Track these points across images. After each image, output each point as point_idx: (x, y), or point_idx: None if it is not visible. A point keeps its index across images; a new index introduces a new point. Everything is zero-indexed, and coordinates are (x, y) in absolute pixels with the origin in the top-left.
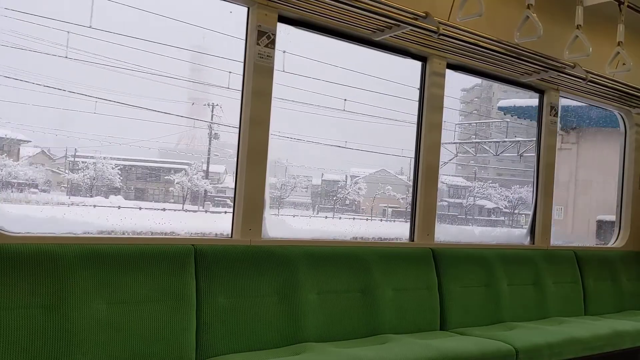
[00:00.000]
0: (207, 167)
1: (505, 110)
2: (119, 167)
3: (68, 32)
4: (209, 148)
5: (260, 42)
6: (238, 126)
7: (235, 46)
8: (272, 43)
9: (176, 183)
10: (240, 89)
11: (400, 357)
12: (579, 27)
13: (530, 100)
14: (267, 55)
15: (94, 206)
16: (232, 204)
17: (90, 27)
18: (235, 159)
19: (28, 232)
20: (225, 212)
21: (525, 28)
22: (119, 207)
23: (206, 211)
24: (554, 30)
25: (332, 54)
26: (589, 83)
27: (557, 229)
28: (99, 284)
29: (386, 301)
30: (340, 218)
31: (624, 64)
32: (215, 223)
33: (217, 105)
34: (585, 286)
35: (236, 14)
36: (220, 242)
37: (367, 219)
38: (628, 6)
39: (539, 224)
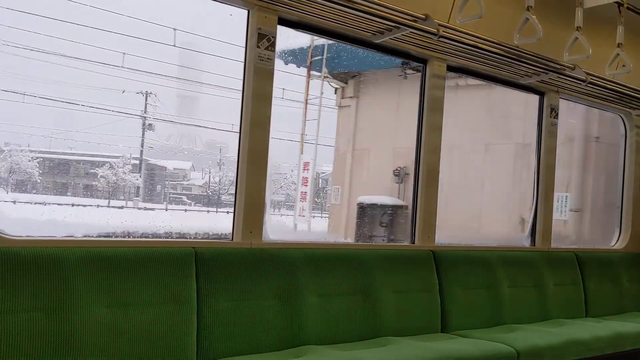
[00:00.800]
0: (141, 160)
1: (284, 57)
2: (37, 160)
3: None
4: (142, 140)
5: (261, 44)
6: (239, 128)
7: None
8: (272, 45)
9: (100, 176)
10: (241, 91)
11: None
12: (578, 28)
13: (300, 40)
14: (268, 58)
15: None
16: (191, 202)
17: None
18: (236, 161)
19: (29, 236)
20: (165, 209)
21: (525, 30)
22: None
23: (140, 208)
24: (553, 32)
25: None
26: (588, 85)
27: (334, 219)
28: (100, 287)
29: (387, 303)
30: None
31: (623, 65)
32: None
33: (151, 93)
34: (586, 288)
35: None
36: (221, 244)
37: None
38: (628, 8)
39: (539, 225)
